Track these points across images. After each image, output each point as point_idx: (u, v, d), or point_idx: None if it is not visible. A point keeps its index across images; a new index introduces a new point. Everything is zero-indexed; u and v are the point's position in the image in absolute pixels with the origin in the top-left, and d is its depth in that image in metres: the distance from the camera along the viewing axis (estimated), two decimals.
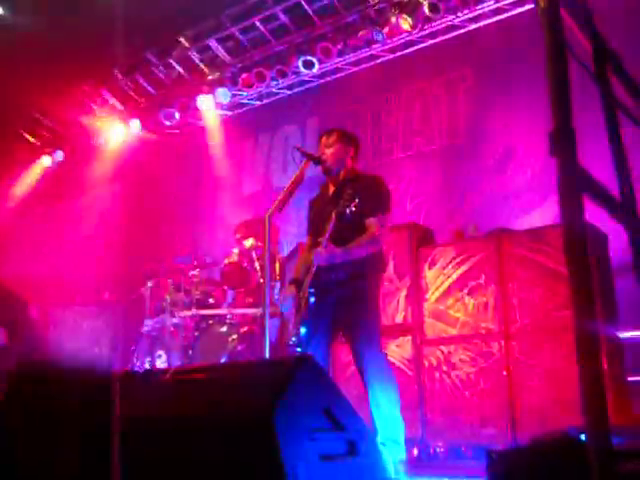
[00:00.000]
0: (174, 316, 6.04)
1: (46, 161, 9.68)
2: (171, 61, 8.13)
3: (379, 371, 3.61)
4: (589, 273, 1.49)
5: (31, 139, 9.64)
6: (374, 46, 7.27)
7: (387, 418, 3.56)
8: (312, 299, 3.66)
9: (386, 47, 7.27)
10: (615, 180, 2.06)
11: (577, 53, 1.94)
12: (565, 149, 1.54)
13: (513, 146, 6.36)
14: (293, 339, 3.63)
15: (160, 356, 6.01)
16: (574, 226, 1.50)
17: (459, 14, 6.65)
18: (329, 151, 3.95)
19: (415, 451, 4.78)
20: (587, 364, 1.44)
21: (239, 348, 5.66)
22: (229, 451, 2.35)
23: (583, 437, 1.91)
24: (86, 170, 9.25)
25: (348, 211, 3.63)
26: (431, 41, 7.06)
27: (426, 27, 6.85)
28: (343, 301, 3.71)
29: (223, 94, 7.95)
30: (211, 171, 8.52)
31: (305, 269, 3.86)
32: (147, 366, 6.08)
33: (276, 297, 5.74)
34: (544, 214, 5.88)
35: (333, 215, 3.65)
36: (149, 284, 6.54)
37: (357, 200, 3.62)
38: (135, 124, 8.66)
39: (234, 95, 8.20)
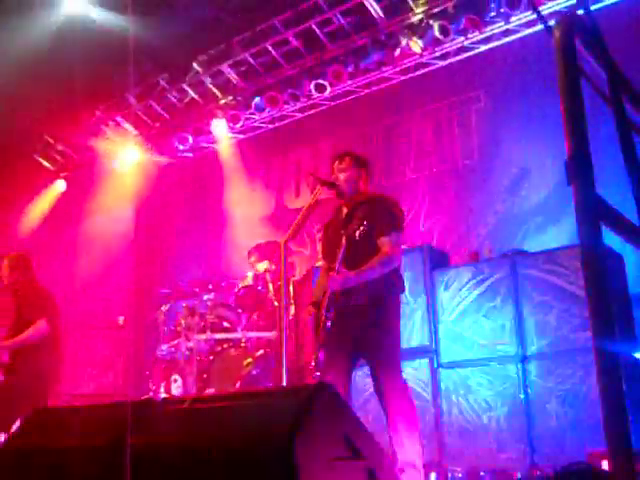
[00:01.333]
0: (189, 340, 6.04)
1: (60, 185, 9.78)
2: (184, 86, 8.21)
3: (399, 397, 3.58)
4: (607, 295, 1.49)
5: (45, 164, 9.74)
6: (385, 68, 7.32)
7: (405, 443, 3.53)
8: (329, 323, 3.65)
9: (397, 69, 7.31)
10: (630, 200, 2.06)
11: (591, 76, 1.95)
12: (581, 178, 1.55)
13: (527, 167, 6.35)
14: (312, 363, 3.62)
15: (175, 380, 6.01)
16: (592, 252, 1.50)
17: (469, 35, 6.68)
18: (342, 176, 3.96)
19: (433, 476, 4.74)
20: (608, 386, 1.42)
21: (254, 372, 5.65)
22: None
23: (604, 465, 1.89)
24: (99, 194, 9.31)
25: (357, 234, 3.63)
26: (442, 63, 7.10)
27: (437, 49, 6.89)
28: (363, 326, 3.69)
29: (235, 119, 8.03)
30: (224, 194, 8.55)
31: (322, 293, 3.86)
32: (162, 390, 6.07)
33: (290, 319, 5.74)
34: (559, 234, 5.85)
35: (343, 239, 3.66)
36: (163, 308, 6.56)
37: (365, 222, 3.63)
38: (149, 148, 8.74)
39: (247, 119, 8.27)
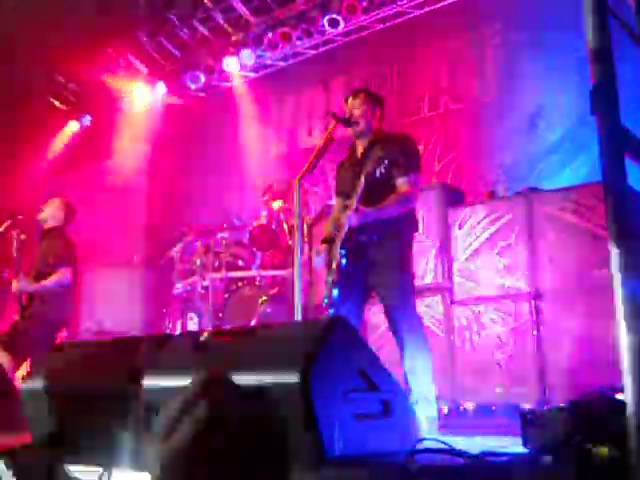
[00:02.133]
0: (204, 278, 6.10)
1: (74, 126, 9.75)
2: (195, 22, 8.06)
3: (412, 332, 3.62)
4: (631, 232, 1.48)
5: (58, 104, 9.68)
6: (400, 2, 7.14)
7: (419, 378, 3.59)
8: (344, 260, 3.66)
9: (413, 3, 7.13)
10: None
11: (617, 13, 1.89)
12: (606, 107, 1.52)
13: (544, 104, 6.24)
14: (325, 300, 3.65)
15: (191, 318, 6.09)
16: (616, 185, 1.48)
17: None
18: (357, 112, 3.92)
19: (445, 409, 4.83)
20: (630, 323, 1.43)
21: (268, 310, 5.72)
22: (264, 412, 2.38)
23: (618, 397, 1.91)
24: (113, 134, 9.28)
25: (378, 173, 3.60)
26: None
27: None
28: (376, 263, 3.70)
29: (247, 56, 7.89)
30: (238, 133, 8.49)
31: (335, 229, 3.86)
32: (179, 328, 6.17)
33: (305, 258, 5.76)
34: (574, 174, 5.79)
35: (362, 177, 3.63)
36: (179, 247, 6.60)
37: (386, 161, 3.61)
38: (161, 87, 8.65)
39: (259, 56, 8.14)
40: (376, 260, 3.70)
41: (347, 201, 3.72)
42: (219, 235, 6.23)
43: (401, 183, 3.74)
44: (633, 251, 1.43)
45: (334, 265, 3.69)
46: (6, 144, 9.01)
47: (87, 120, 9.42)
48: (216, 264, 6.13)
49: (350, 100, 3.99)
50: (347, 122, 3.87)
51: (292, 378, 2.27)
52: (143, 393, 2.56)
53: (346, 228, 3.65)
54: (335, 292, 3.64)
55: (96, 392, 2.89)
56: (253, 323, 5.64)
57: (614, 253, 1.42)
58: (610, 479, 1.62)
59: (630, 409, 1.41)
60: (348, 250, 3.68)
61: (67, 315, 5.36)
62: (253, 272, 6.05)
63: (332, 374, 2.33)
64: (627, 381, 1.40)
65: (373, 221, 3.67)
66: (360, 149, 3.98)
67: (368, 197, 3.66)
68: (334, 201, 4.23)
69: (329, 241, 3.83)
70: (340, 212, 3.90)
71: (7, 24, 7.27)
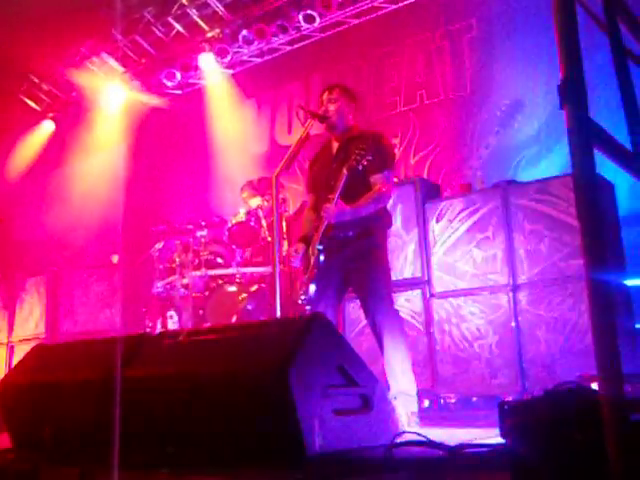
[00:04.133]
0: (184, 277, 6.07)
1: (48, 125, 9.66)
2: (170, 19, 8.01)
3: (391, 327, 3.63)
4: (600, 223, 1.50)
5: (32, 104, 9.58)
6: None
7: (399, 372, 3.61)
8: (321, 257, 3.67)
9: None
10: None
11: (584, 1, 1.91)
12: (575, 100, 1.53)
13: (520, 98, 6.29)
14: (302, 297, 3.66)
15: (171, 317, 6.07)
16: (585, 178, 1.50)
17: None
18: (332, 107, 3.93)
19: (426, 403, 4.86)
20: (600, 313, 1.44)
21: (249, 307, 5.71)
22: (245, 409, 2.39)
23: (594, 386, 1.94)
24: (89, 133, 9.19)
25: (360, 166, 3.61)
26: None
27: None
28: (352, 259, 3.73)
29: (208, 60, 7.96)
30: (215, 131, 8.46)
31: (311, 226, 3.87)
32: (159, 327, 6.14)
33: (284, 255, 5.77)
34: (550, 166, 5.84)
35: (344, 171, 3.63)
36: (157, 246, 6.56)
37: (370, 154, 3.60)
38: (136, 85, 8.60)
39: (235, 52, 8.11)
40: (352, 256, 3.73)
41: (328, 196, 3.71)
42: (198, 233, 6.20)
43: (376, 180, 3.76)
44: (602, 240, 1.45)
45: (312, 261, 3.70)
46: None
47: (60, 119, 9.33)
48: (195, 262, 6.11)
49: (325, 95, 4.00)
50: (322, 118, 3.88)
51: (271, 375, 2.28)
52: (124, 392, 2.55)
53: (325, 223, 3.66)
54: (312, 288, 3.65)
55: (77, 391, 2.88)
56: (234, 320, 5.63)
57: (584, 242, 1.44)
58: (587, 468, 1.64)
59: (603, 398, 1.43)
60: (325, 246, 3.69)
61: None
62: (233, 270, 6.03)
63: (311, 370, 2.35)
64: (598, 369, 1.42)
65: (350, 218, 3.68)
66: (336, 145, 3.98)
67: (345, 193, 3.67)
68: (307, 198, 4.23)
69: (305, 239, 3.85)
70: (313, 209, 3.92)
71: None
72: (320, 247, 3.68)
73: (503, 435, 2.12)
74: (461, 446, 2.15)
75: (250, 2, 7.63)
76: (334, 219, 3.65)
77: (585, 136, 1.49)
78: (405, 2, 7.14)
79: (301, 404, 2.21)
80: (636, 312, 4.65)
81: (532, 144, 6.15)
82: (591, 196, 1.49)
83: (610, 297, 1.48)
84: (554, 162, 5.86)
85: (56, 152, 9.63)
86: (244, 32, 7.69)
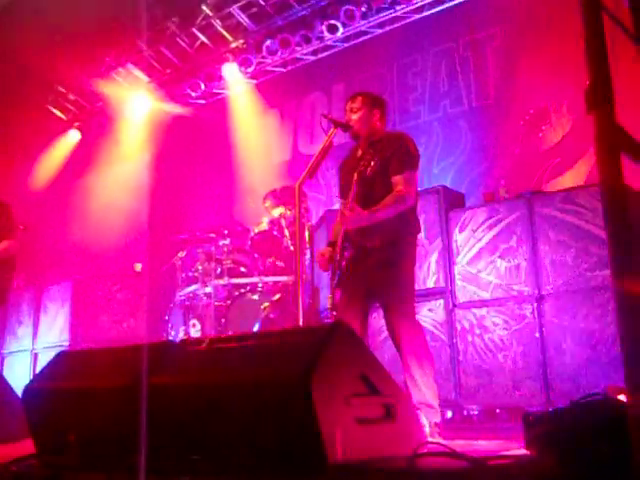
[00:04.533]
0: (206, 285, 6.10)
1: (74, 135, 9.78)
2: (194, 30, 8.09)
3: (413, 338, 3.59)
4: (627, 233, 1.47)
5: (58, 114, 9.71)
6: (398, 7, 7.16)
7: (420, 384, 3.57)
8: (343, 263, 3.67)
9: (411, 7, 7.14)
10: None
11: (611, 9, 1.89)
12: (602, 106, 1.51)
13: (544, 107, 6.24)
14: (329, 305, 3.64)
15: (194, 325, 6.09)
16: (613, 185, 1.47)
17: None
18: (355, 116, 3.91)
19: (449, 413, 4.81)
20: (627, 324, 1.42)
21: (271, 316, 5.71)
22: (267, 417, 2.38)
23: (621, 398, 1.91)
24: (114, 142, 9.29)
25: (368, 171, 3.60)
26: (457, 0, 6.92)
27: None
28: (376, 268, 3.68)
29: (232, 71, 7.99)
30: (238, 141, 8.50)
31: (338, 232, 3.87)
32: (181, 335, 6.16)
33: (307, 264, 5.76)
34: (576, 175, 5.79)
35: (355, 176, 3.64)
36: (180, 254, 6.60)
37: (376, 158, 3.61)
38: (161, 95, 8.68)
39: (259, 62, 8.15)
40: (376, 266, 3.69)
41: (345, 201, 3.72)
42: (220, 242, 6.23)
43: (396, 181, 3.70)
44: (630, 250, 1.42)
45: (337, 267, 3.69)
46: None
47: (86, 129, 9.44)
48: (218, 271, 6.13)
49: (349, 104, 3.99)
50: (345, 126, 3.87)
51: (293, 384, 2.27)
52: (150, 399, 2.56)
53: (343, 229, 3.66)
54: (338, 296, 3.63)
55: (102, 398, 2.89)
56: (256, 329, 5.64)
57: (611, 253, 1.42)
58: None
59: (631, 410, 1.40)
60: (351, 255, 3.68)
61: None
62: (255, 278, 6.05)
63: (333, 379, 2.33)
64: (626, 381, 1.39)
65: (369, 223, 3.64)
66: (360, 151, 3.98)
67: (366, 197, 3.66)
68: (339, 204, 4.22)
69: (332, 244, 3.84)
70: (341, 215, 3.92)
71: (7, 34, 7.29)
72: (342, 254, 3.68)
73: (528, 446, 2.09)
74: (485, 457, 2.12)
75: (274, 13, 7.68)
76: (351, 225, 3.64)
77: (612, 142, 1.46)
78: (428, 12, 7.14)
79: (323, 413, 2.19)
80: None
81: (557, 153, 6.10)
82: (618, 205, 1.47)
83: (637, 308, 1.46)
84: (580, 172, 5.81)
85: (81, 161, 9.74)
86: (268, 42, 7.74)
